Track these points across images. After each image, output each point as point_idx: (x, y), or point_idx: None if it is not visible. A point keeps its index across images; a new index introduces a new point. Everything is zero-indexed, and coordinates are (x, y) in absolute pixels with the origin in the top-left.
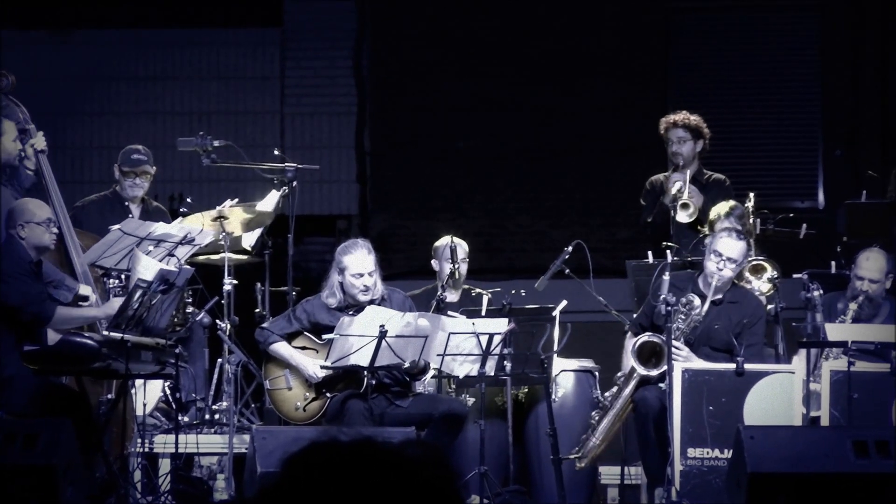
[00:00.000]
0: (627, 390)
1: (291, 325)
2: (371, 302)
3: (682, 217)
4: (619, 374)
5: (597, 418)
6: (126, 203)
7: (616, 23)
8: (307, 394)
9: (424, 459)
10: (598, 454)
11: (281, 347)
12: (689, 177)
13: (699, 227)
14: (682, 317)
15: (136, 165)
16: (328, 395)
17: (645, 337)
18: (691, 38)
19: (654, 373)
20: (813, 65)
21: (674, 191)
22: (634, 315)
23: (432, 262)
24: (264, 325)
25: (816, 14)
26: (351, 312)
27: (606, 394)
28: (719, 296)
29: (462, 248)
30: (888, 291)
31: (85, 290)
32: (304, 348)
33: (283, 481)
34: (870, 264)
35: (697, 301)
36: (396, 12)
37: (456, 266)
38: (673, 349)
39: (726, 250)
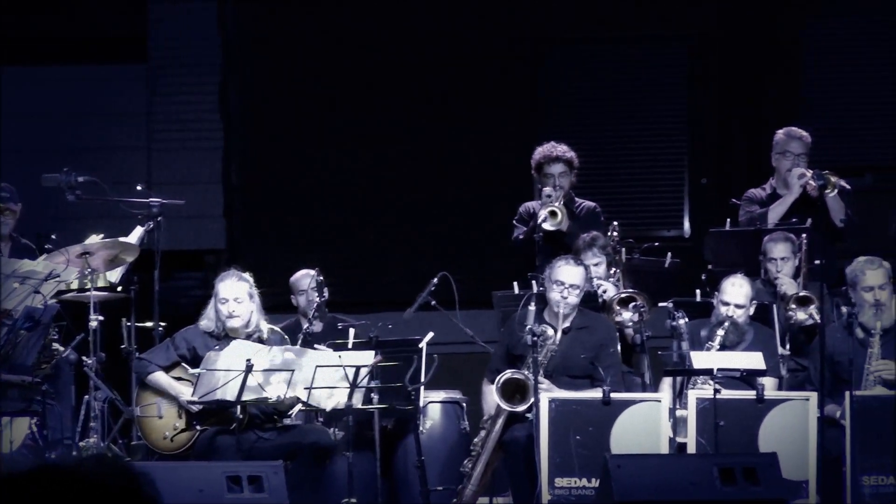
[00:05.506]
0: (495, 432)
1: (171, 355)
2: (247, 336)
3: (549, 225)
4: (484, 417)
5: (469, 466)
6: None
7: (484, 53)
8: (177, 424)
9: (105, 472)
10: (475, 500)
11: (159, 377)
12: (562, 202)
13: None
14: (538, 348)
15: None
16: (198, 427)
17: (508, 374)
18: (560, 69)
19: (521, 408)
20: (680, 95)
21: (545, 212)
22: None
23: (291, 297)
24: (142, 355)
25: (684, 45)
26: (217, 346)
27: (476, 440)
28: (567, 324)
29: (313, 278)
30: (751, 318)
31: None
32: (180, 379)
33: None
34: (735, 290)
35: (550, 331)
36: (262, 47)
37: (322, 298)
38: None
39: (567, 277)
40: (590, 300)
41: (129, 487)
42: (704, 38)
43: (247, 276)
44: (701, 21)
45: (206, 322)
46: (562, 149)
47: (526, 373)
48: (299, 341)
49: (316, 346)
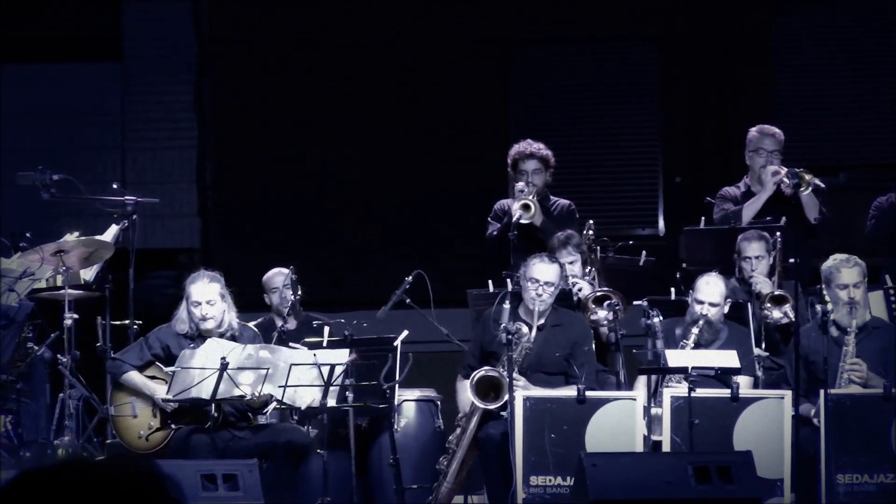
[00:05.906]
0: (470, 430)
1: (145, 354)
2: (220, 335)
3: (523, 218)
4: (459, 415)
5: (445, 464)
6: None
7: (456, 53)
8: (151, 423)
9: (131, 473)
10: (452, 497)
11: (133, 376)
12: (535, 197)
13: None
14: (513, 346)
15: None
16: (173, 426)
17: (482, 371)
18: (532, 69)
19: (494, 406)
20: (652, 93)
21: (518, 205)
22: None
23: (264, 295)
24: (116, 355)
25: (656, 44)
26: (192, 345)
27: (451, 437)
28: (542, 321)
29: (288, 276)
30: (726, 317)
31: None
32: (154, 378)
33: None
34: (709, 288)
35: (525, 329)
36: (237, 47)
37: (297, 296)
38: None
39: (542, 275)
40: (565, 298)
41: (154, 489)
42: (676, 36)
43: (217, 275)
44: (672, 20)
45: (181, 325)
46: (537, 146)
47: (500, 370)
48: (274, 339)
49: (291, 344)
